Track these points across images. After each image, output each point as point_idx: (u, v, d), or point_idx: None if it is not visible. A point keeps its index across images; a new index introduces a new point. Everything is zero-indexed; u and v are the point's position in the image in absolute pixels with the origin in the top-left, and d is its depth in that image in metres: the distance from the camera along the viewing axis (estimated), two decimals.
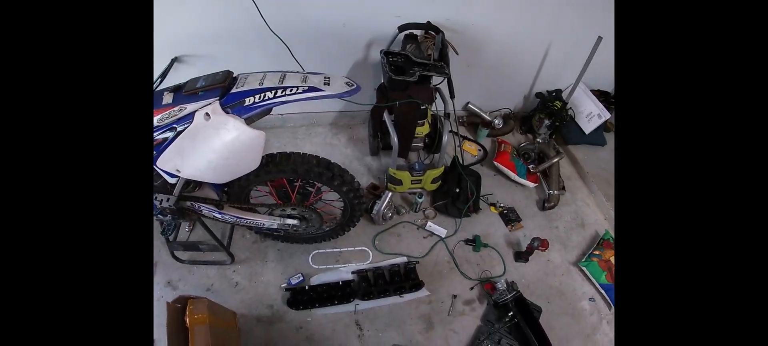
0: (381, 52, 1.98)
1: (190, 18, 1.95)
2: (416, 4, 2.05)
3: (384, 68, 1.94)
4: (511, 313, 1.88)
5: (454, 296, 2.01)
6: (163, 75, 1.88)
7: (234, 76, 1.34)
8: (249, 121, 1.32)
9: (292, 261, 2.09)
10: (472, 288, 2.06)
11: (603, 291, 2.07)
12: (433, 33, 2.11)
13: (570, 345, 1.94)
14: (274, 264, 2.08)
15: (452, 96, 2.14)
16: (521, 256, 2.14)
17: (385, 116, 2.04)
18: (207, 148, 1.34)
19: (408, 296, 1.98)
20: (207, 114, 1.28)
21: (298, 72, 1.35)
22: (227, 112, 1.28)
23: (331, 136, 2.67)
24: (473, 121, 2.73)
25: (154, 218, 1.73)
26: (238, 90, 1.28)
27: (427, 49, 2.11)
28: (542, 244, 2.05)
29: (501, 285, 1.96)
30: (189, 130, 1.31)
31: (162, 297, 1.99)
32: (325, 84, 1.30)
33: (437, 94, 2.15)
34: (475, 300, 2.03)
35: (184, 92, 1.30)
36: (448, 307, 1.98)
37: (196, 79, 1.32)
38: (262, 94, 1.27)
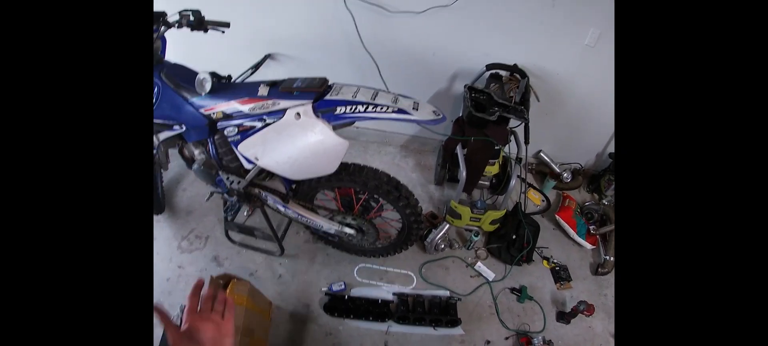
0: (465, 86, 1.95)
1: (290, 20, 2.02)
2: (506, 45, 2.02)
3: (466, 102, 1.91)
4: None
5: (488, 342, 1.92)
6: (255, 67, 1.96)
7: (329, 83, 1.36)
8: (335, 129, 1.34)
9: (338, 268, 2.09)
10: (507, 338, 1.95)
11: None
12: (518, 76, 2.06)
13: None
14: (320, 267, 2.09)
15: (527, 142, 2.07)
16: (564, 316, 2.01)
17: (458, 149, 2.00)
18: (291, 144, 1.36)
19: (442, 331, 1.91)
20: (298, 113, 1.30)
21: (388, 92, 1.35)
22: (317, 116, 1.30)
23: (400, 157, 2.67)
24: (542, 170, 2.62)
25: (220, 195, 1.78)
26: (332, 98, 1.29)
27: (510, 90, 2.06)
28: (588, 309, 1.91)
29: (538, 342, 1.86)
30: (277, 125, 1.34)
31: (206, 270, 2.05)
32: (413, 108, 1.29)
33: (512, 136, 2.09)
34: None
35: (281, 89, 1.33)
36: None
37: (293, 79, 1.35)
38: (354, 107, 1.27)
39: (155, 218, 2.25)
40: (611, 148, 2.57)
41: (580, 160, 2.63)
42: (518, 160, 2.04)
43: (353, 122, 1.34)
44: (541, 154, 2.53)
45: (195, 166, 1.68)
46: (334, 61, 2.14)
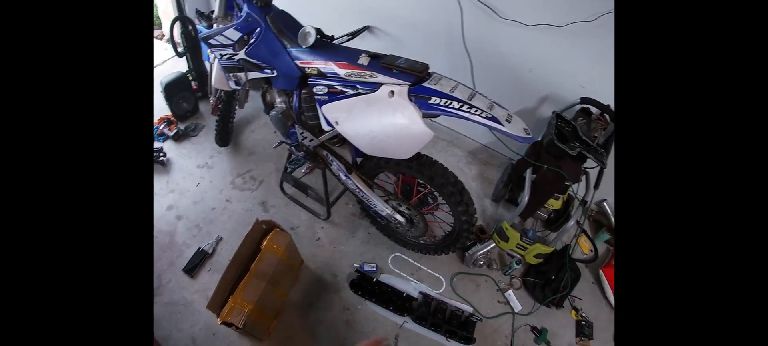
0: (553, 112, 1.87)
1: None
2: (606, 82, 1.90)
3: (550, 129, 1.83)
4: None
5: None
6: (353, 35, 1.96)
7: (430, 71, 1.33)
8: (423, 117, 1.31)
9: (375, 250, 2.09)
10: None
11: None
12: (607, 118, 1.95)
13: None
14: (358, 243, 2.10)
15: (597, 187, 1.97)
16: None
17: (527, 173, 1.93)
18: (376, 120, 1.35)
19: (453, 344, 1.88)
20: (392, 92, 1.29)
21: (485, 97, 1.31)
22: (411, 100, 1.28)
23: (465, 162, 2.61)
24: (599, 220, 2.49)
25: (288, 147, 1.81)
26: (430, 86, 1.27)
27: (595, 130, 1.96)
28: None
29: None
30: (369, 96, 1.33)
31: (252, 211, 2.10)
32: (506, 120, 1.24)
33: (583, 177, 1.99)
34: None
35: (381, 63, 1.32)
36: None
37: (396, 57, 1.33)
38: (449, 101, 1.24)
39: (217, 149, 2.32)
40: None
41: None
42: (583, 203, 1.95)
43: (440, 115, 1.31)
44: (604, 204, 2.40)
45: (273, 112, 1.71)
46: (429, 48, 2.10)
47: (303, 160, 1.85)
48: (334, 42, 1.55)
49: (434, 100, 1.26)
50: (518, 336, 2.00)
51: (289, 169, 1.97)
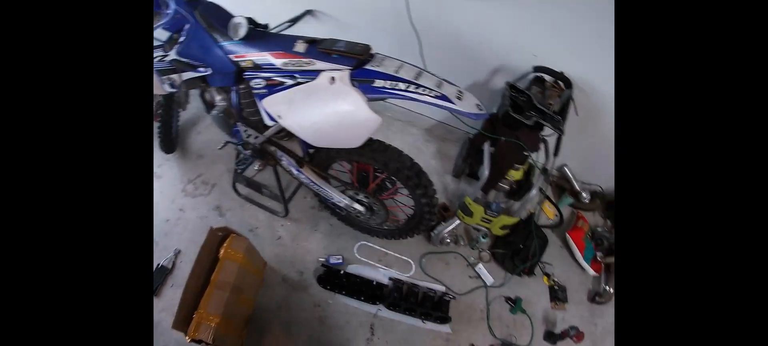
0: (507, 83, 1.82)
1: None
2: (558, 51, 1.87)
3: (504, 100, 1.79)
4: None
5: None
6: (293, 21, 1.83)
7: (372, 52, 1.25)
8: (368, 101, 1.23)
9: (339, 241, 2.02)
10: (491, 345, 1.91)
11: None
12: (562, 85, 1.93)
13: None
14: (321, 236, 2.02)
15: (556, 154, 1.96)
16: (551, 337, 1.95)
17: (485, 146, 1.89)
18: (318, 109, 1.27)
19: (430, 325, 1.87)
20: (333, 78, 1.20)
21: (433, 75, 1.24)
22: (353, 85, 1.20)
23: (422, 141, 2.54)
24: (561, 185, 2.51)
25: (234, 146, 1.70)
26: (373, 68, 1.18)
27: (551, 98, 1.93)
28: (577, 336, 1.86)
29: None
30: (309, 86, 1.24)
31: (207, 218, 1.99)
32: (457, 97, 1.18)
33: (542, 145, 1.97)
34: None
35: (319, 48, 1.22)
36: None
37: (335, 40, 1.24)
38: (395, 83, 1.17)
39: (164, 156, 2.17)
40: None
41: (601, 183, 2.51)
42: (543, 170, 1.94)
43: (387, 98, 1.24)
44: (565, 168, 2.41)
45: (214, 112, 1.59)
46: (375, 28, 2.00)
47: (251, 159, 1.74)
48: (269, 31, 1.43)
49: (379, 83, 1.18)
50: (493, 308, 2.00)
51: (239, 170, 1.85)
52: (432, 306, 1.87)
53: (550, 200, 2.34)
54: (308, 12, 1.95)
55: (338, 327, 1.82)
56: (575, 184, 2.40)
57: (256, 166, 2.01)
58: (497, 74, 2.06)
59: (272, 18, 1.60)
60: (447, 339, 1.87)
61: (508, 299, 2.04)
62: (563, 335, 1.91)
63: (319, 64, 1.21)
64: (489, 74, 2.08)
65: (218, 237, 1.65)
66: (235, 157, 1.86)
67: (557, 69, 1.88)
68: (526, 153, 1.86)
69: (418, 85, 1.16)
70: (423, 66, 1.79)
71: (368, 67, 1.19)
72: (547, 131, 1.90)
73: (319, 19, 2.02)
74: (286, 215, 2.01)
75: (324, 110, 1.26)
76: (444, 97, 1.16)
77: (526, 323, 2.01)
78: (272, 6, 1.86)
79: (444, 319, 1.86)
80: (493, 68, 2.04)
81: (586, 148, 2.28)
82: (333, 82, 1.20)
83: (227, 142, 1.72)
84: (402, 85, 1.16)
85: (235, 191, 2.03)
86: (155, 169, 2.15)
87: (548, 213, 2.35)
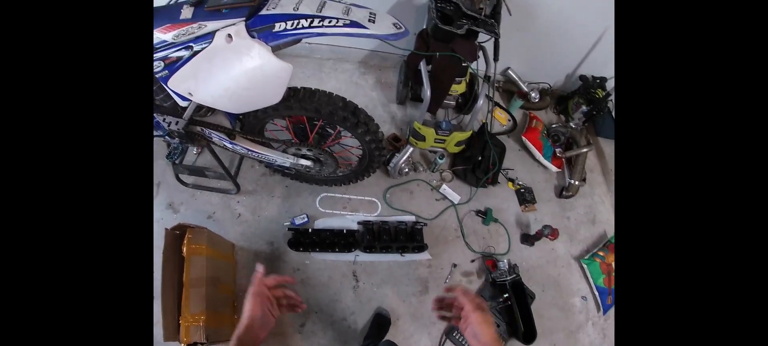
0: None
1: None
2: None
3: (431, 13, 1.68)
4: (507, 295, 1.81)
5: (454, 266, 1.91)
6: None
7: None
8: (276, 49, 1.11)
9: (299, 200, 1.96)
10: (473, 261, 1.95)
11: (597, 293, 1.98)
12: None
13: (553, 337, 1.88)
14: (280, 200, 1.95)
15: (496, 59, 1.89)
16: (528, 239, 2.02)
17: (421, 66, 1.80)
18: (225, 74, 1.14)
19: (409, 257, 1.88)
20: (229, 36, 1.06)
21: (339, 2, 1.12)
22: (253, 37, 1.07)
23: (359, 75, 2.42)
24: (509, 89, 2.47)
25: (162, 139, 1.56)
26: (269, 12, 1.05)
27: (480, 1, 1.83)
28: (552, 233, 1.91)
29: (503, 265, 1.87)
30: (207, 51, 1.10)
31: (162, 219, 1.88)
32: (369, 21, 1.07)
33: (480, 52, 1.90)
34: (474, 273, 1.93)
35: (207, 7, 1.08)
36: (446, 275, 1.89)
37: None
38: (296, 22, 1.04)
39: None
40: (582, 70, 2.42)
41: (549, 80, 2.49)
42: (486, 78, 1.88)
43: (299, 40, 1.12)
44: (509, 71, 2.37)
45: None
46: None
47: (182, 146, 1.60)
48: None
49: (279, 26, 1.05)
50: (466, 224, 2.02)
51: (176, 161, 1.71)
52: (406, 238, 1.87)
53: (500, 106, 2.32)
54: None
55: (322, 285, 1.80)
56: (522, 85, 2.37)
57: (194, 150, 1.87)
58: None
59: None
60: (429, 265, 1.90)
61: (478, 212, 2.06)
62: (538, 235, 1.95)
63: (211, 25, 1.07)
64: None
65: (176, 236, 1.57)
66: (166, 149, 1.71)
67: None
68: (464, 64, 1.78)
69: (323, 17, 1.04)
70: None
71: (264, 12, 1.06)
72: (483, 37, 1.82)
73: None
74: (239, 191, 1.91)
75: (231, 73, 1.13)
76: (354, 24, 1.05)
77: (500, 231, 2.05)
78: None
79: (421, 247, 1.87)
80: None
81: (527, 47, 2.22)
82: (230, 40, 1.07)
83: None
84: (305, 22, 1.04)
85: (180, 181, 1.91)
86: None
87: (501, 119, 2.33)
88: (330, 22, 1.04)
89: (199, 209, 1.92)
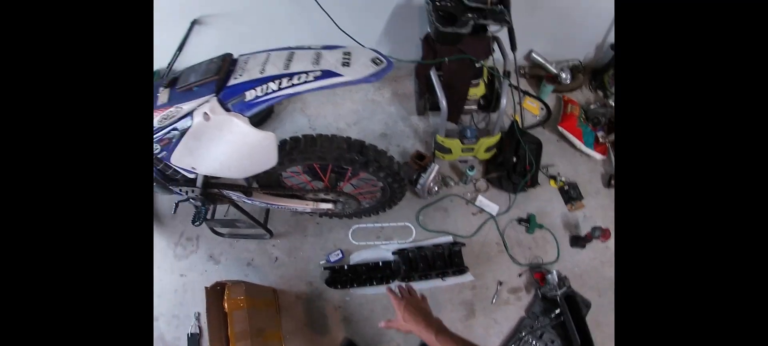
0: None
1: None
2: None
3: (429, 16, 1.51)
4: (559, 310, 1.62)
5: (500, 283, 1.74)
6: (181, 46, 1.62)
7: (233, 58, 1.04)
8: (255, 117, 1.04)
9: (331, 235, 1.90)
10: (520, 275, 1.77)
11: None
12: None
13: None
14: (314, 239, 1.90)
15: (514, 48, 1.68)
16: (578, 241, 1.78)
17: (432, 74, 1.63)
18: (215, 148, 1.10)
19: (450, 281, 1.74)
20: (206, 114, 1.01)
21: (308, 48, 1.02)
22: (228, 110, 1.00)
23: (374, 91, 2.29)
24: (537, 74, 2.20)
25: (186, 202, 1.58)
26: (237, 82, 0.98)
27: None
28: (604, 235, 1.67)
29: (552, 278, 1.66)
30: (192, 131, 1.06)
31: (206, 271, 1.93)
32: (344, 65, 0.96)
33: (495, 44, 1.69)
34: (522, 289, 1.75)
35: (178, 89, 1.03)
36: (493, 294, 1.72)
37: (189, 71, 1.05)
38: (265, 86, 0.96)
39: None
40: (612, 38, 2.10)
41: (578, 55, 2.17)
42: (506, 73, 1.67)
43: (267, 105, 1.04)
44: (533, 54, 2.11)
45: None
46: (268, 2, 1.74)
47: (205, 209, 1.62)
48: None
49: (250, 95, 0.98)
50: (508, 236, 1.85)
51: (208, 218, 1.74)
52: (444, 263, 1.75)
53: (530, 95, 2.07)
54: (194, 23, 1.72)
55: (365, 319, 1.73)
56: (550, 67, 2.10)
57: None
58: None
59: (160, 45, 1.39)
60: (473, 287, 1.75)
61: (521, 221, 1.86)
62: (588, 237, 1.73)
63: (186, 106, 1.02)
64: None
65: (217, 292, 1.60)
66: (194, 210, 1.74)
67: None
68: (478, 64, 1.60)
69: (292, 75, 0.95)
70: (328, 16, 1.53)
71: (232, 82, 0.99)
72: (494, 27, 1.62)
73: (209, 24, 1.78)
74: (272, 236, 1.90)
75: (220, 147, 1.09)
76: (327, 74, 0.95)
77: (547, 237, 1.84)
78: (156, 33, 1.65)
79: (462, 270, 1.73)
80: None
81: (547, 23, 1.96)
82: (208, 118, 1.01)
83: (177, 203, 1.61)
84: (274, 85, 0.95)
85: (217, 233, 1.94)
86: None
87: (532, 110, 2.09)
88: (299, 77, 0.95)
89: (238, 258, 1.94)
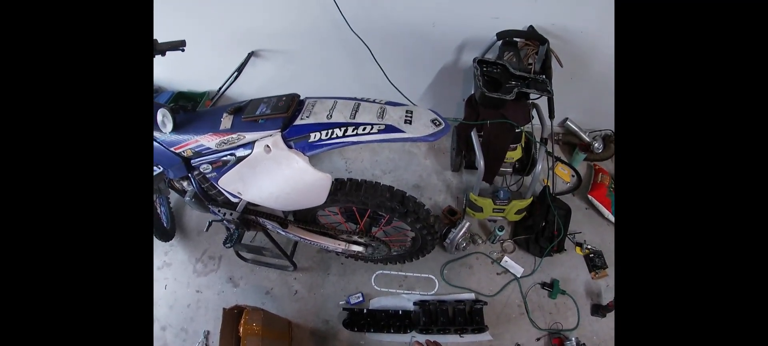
0: (474, 60, 1.60)
1: (267, 12, 1.71)
2: (518, 5, 1.62)
3: (476, 81, 1.56)
4: None
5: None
6: (240, 69, 1.69)
7: (301, 99, 1.08)
8: (315, 158, 1.07)
9: (354, 278, 1.88)
10: (539, 339, 1.72)
11: None
12: (535, 40, 1.68)
13: None
14: (336, 278, 1.89)
15: (551, 116, 1.72)
16: (599, 310, 1.73)
17: (473, 135, 1.66)
18: (268, 180, 1.12)
19: (468, 338, 1.70)
20: (268, 146, 1.04)
21: (374, 102, 1.06)
22: (290, 146, 1.03)
23: (411, 143, 2.34)
24: (570, 141, 2.23)
25: (220, 222, 1.60)
26: (303, 123, 1.02)
27: (528, 57, 1.69)
28: None
29: (570, 345, 1.62)
30: (249, 160, 1.09)
31: (223, 292, 1.91)
32: (406, 122, 0.99)
33: (534, 110, 1.73)
34: None
35: (244, 118, 1.07)
36: None
37: (257, 103, 1.09)
38: (330, 131, 0.99)
39: (168, 244, 2.10)
40: None
41: (611, 125, 2.21)
42: (543, 141, 1.70)
43: (327, 149, 1.07)
44: (568, 122, 2.15)
45: (186, 198, 1.48)
46: (323, 48, 1.83)
47: (237, 233, 1.63)
48: (196, 111, 1.30)
49: (314, 136, 1.01)
50: (531, 299, 1.81)
51: (236, 239, 1.75)
52: (465, 320, 1.71)
53: (562, 161, 2.09)
54: (251, 55, 1.80)
55: None
56: (583, 135, 2.13)
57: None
58: (464, 51, 1.84)
59: (216, 71, 1.45)
60: None
61: (544, 285, 1.83)
62: (610, 306, 1.68)
63: (249, 136, 1.06)
64: (455, 53, 1.85)
65: (234, 315, 1.57)
66: (225, 231, 1.75)
67: (523, 26, 1.63)
68: (517, 130, 1.63)
69: (358, 125, 0.98)
70: (382, 70, 1.59)
71: (299, 122, 1.02)
72: (535, 95, 1.66)
73: (264, 58, 1.86)
74: (295, 269, 1.89)
75: (274, 180, 1.11)
76: (390, 128, 0.98)
77: (568, 303, 1.79)
78: (214, 59, 1.73)
79: (481, 329, 1.69)
80: (457, 46, 1.82)
81: (584, 95, 2.01)
82: (269, 150, 1.04)
83: (211, 222, 1.62)
84: (339, 131, 0.99)
85: (240, 257, 1.94)
86: (163, 259, 2.09)
87: (563, 176, 2.10)
88: (364, 129, 0.98)
89: (258, 285, 1.93)
